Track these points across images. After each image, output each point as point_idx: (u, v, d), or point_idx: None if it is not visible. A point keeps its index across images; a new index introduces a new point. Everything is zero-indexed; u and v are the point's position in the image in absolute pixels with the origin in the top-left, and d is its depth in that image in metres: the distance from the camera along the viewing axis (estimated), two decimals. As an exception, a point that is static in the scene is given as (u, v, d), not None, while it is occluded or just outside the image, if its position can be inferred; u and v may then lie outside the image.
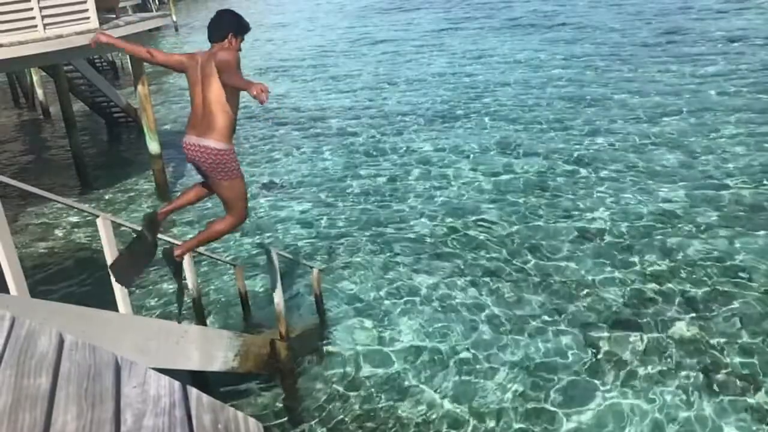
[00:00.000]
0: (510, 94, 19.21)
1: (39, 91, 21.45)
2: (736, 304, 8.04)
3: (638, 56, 22.45)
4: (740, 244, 9.46)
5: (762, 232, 9.75)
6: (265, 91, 4.07)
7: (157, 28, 14.02)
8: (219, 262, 9.45)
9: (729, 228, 9.97)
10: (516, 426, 6.41)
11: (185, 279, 6.90)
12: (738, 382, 6.73)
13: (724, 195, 11.15)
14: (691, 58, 21.27)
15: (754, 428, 6.14)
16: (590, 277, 8.94)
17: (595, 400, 6.66)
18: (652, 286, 8.59)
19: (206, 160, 4.63)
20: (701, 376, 6.85)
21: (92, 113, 19.84)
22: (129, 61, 14.00)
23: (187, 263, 6.44)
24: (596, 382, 6.93)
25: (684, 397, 6.59)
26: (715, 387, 6.69)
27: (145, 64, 13.83)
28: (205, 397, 1.90)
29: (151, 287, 9.77)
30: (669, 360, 7.14)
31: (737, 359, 7.07)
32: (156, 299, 9.42)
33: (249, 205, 5.26)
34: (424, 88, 20.99)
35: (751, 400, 6.46)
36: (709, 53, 21.72)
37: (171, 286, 9.71)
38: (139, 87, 13.03)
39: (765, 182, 11.53)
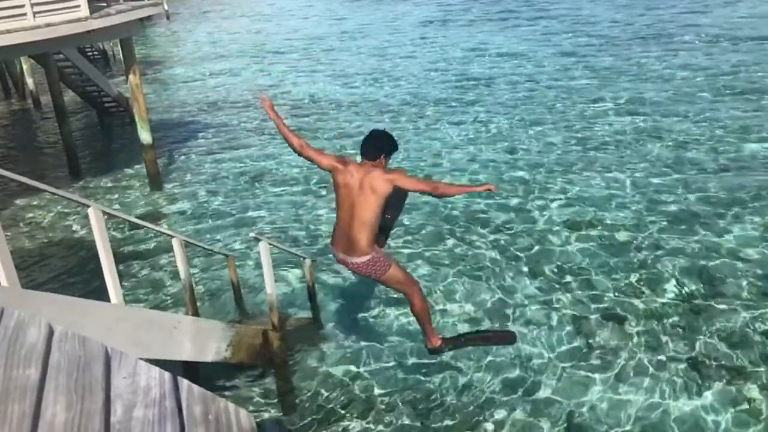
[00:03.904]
0: (504, 86, 19.20)
1: (29, 81, 21.26)
2: (729, 294, 8.09)
3: (631, 47, 22.46)
4: (732, 232, 9.52)
5: (753, 220, 9.81)
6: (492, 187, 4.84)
7: (149, 17, 13.89)
8: (211, 252, 9.42)
9: (720, 216, 10.03)
10: (511, 416, 6.44)
11: (184, 271, 6.87)
12: (732, 373, 6.77)
13: (717, 184, 11.21)
14: (685, 50, 21.31)
15: (748, 419, 6.19)
16: (583, 267, 8.97)
17: (589, 391, 6.70)
18: (648, 277, 8.63)
19: (358, 270, 5.06)
20: (695, 367, 6.90)
21: (83, 103, 19.70)
22: (120, 50, 13.88)
23: (179, 253, 6.42)
24: (591, 373, 6.97)
25: (677, 387, 6.64)
26: (708, 378, 6.74)
27: (136, 54, 13.76)
28: (196, 388, 1.90)
29: (143, 278, 9.74)
30: (663, 351, 7.18)
31: (731, 349, 7.12)
32: (148, 290, 9.40)
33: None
34: (419, 79, 20.95)
35: (744, 391, 6.52)
36: (702, 45, 21.76)
37: (163, 276, 9.69)
38: (131, 76, 12.93)
39: (758, 170, 11.60)
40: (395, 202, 5.14)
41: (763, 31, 23.09)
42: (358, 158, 5.00)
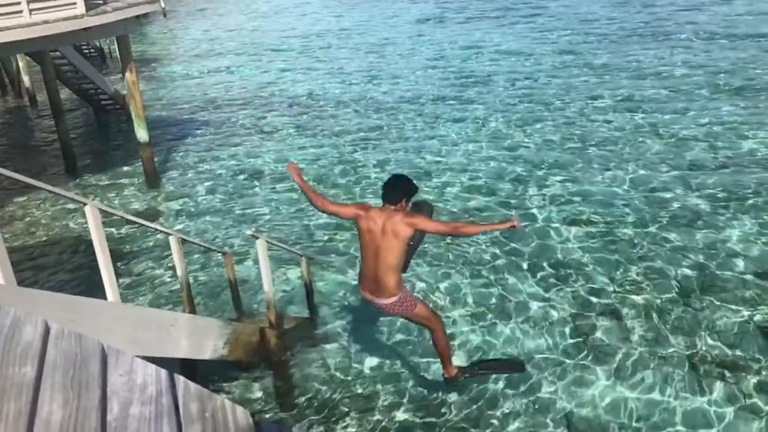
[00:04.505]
0: (502, 83, 19.19)
1: (25, 78, 21.20)
2: (729, 290, 8.10)
3: (628, 45, 22.47)
4: (732, 228, 9.54)
5: (752, 216, 9.83)
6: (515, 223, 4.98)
7: (145, 14, 13.87)
8: (209, 249, 9.41)
9: (719, 213, 10.05)
10: (513, 414, 6.45)
11: (180, 268, 6.86)
12: (733, 369, 6.78)
13: (716, 181, 11.22)
14: (682, 47, 21.32)
15: (749, 415, 6.21)
16: (583, 263, 8.97)
17: (590, 388, 6.71)
18: (647, 274, 8.64)
19: (386, 310, 5.32)
20: (696, 364, 6.91)
21: (80, 100, 19.65)
22: (117, 47, 13.85)
23: (176, 251, 6.41)
24: (592, 370, 6.97)
25: (678, 384, 6.65)
26: (709, 374, 6.75)
27: (133, 51, 13.72)
28: (193, 386, 1.90)
29: (140, 275, 9.73)
30: (664, 348, 7.19)
31: (732, 345, 7.13)
32: (145, 287, 9.38)
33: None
34: (417, 76, 20.93)
35: (745, 388, 6.53)
36: (699, 42, 21.78)
37: (160, 274, 9.68)
38: (127, 74, 12.91)
39: (753, 168, 11.62)
40: (416, 233, 5.29)
41: (760, 28, 23.11)
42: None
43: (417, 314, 5.33)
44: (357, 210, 5.22)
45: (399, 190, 5.11)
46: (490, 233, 9.78)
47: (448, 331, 7.57)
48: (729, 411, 6.24)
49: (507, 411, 6.44)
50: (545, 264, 9.07)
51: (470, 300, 8.37)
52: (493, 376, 6.92)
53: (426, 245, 9.81)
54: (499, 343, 7.49)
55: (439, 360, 5.99)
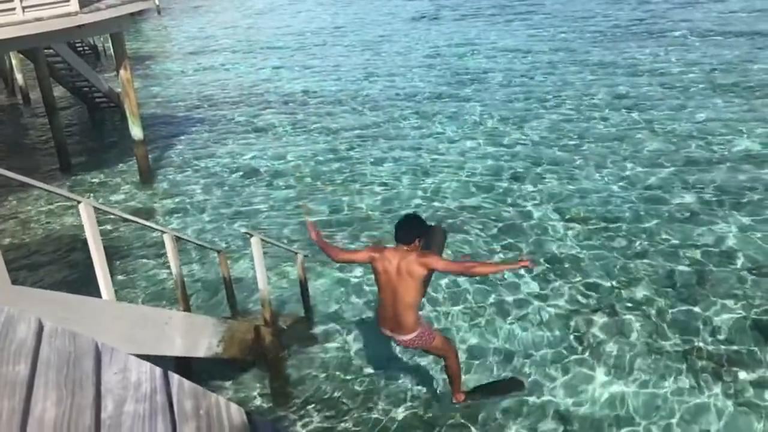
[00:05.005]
0: (498, 80, 19.20)
1: (18, 76, 21.09)
2: (723, 284, 8.13)
3: (624, 42, 22.50)
4: (726, 225, 9.56)
5: (748, 213, 9.86)
6: (530, 262, 5.10)
7: (140, 12, 13.84)
8: (203, 247, 9.38)
9: (712, 210, 10.07)
10: (512, 413, 6.45)
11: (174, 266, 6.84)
12: (729, 366, 6.80)
13: (712, 178, 11.25)
14: (678, 45, 21.36)
15: (748, 411, 6.23)
16: (580, 260, 8.98)
17: (588, 387, 6.71)
18: (640, 268, 8.65)
19: (406, 345, 5.50)
20: (694, 361, 6.93)
21: (74, 98, 19.58)
22: (111, 45, 13.80)
23: (170, 249, 6.39)
24: (587, 365, 6.98)
25: (676, 382, 6.66)
26: (706, 371, 6.76)
27: (127, 48, 13.68)
28: (187, 383, 1.88)
29: (135, 274, 9.70)
30: (662, 346, 7.21)
31: (729, 342, 7.15)
32: (140, 285, 9.36)
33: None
34: (411, 74, 20.92)
35: (742, 385, 6.55)
36: (695, 40, 21.83)
37: (154, 272, 9.66)
38: (122, 71, 12.85)
39: (748, 165, 11.65)
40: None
41: (755, 25, 23.17)
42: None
43: (434, 346, 5.49)
44: (371, 253, 5.35)
45: (413, 231, 5.19)
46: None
47: (448, 329, 7.59)
48: (728, 405, 6.25)
49: (506, 408, 6.44)
50: (542, 260, 9.07)
51: (469, 297, 8.37)
52: (494, 372, 6.94)
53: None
54: (497, 340, 7.49)
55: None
